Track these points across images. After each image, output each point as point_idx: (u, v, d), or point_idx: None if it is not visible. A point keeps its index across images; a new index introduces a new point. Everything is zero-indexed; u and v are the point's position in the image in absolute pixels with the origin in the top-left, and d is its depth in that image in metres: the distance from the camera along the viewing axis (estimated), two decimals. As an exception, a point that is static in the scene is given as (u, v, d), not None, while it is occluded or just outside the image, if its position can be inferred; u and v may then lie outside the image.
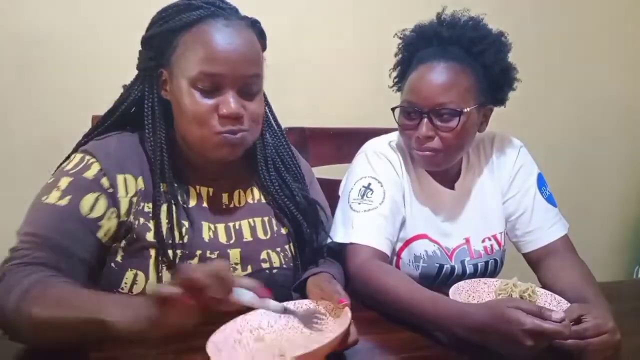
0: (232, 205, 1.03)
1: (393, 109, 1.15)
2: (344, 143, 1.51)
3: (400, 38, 1.21)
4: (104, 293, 0.80)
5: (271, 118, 1.09)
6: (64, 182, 0.89)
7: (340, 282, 0.96)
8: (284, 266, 1.02)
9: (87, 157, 0.92)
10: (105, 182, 0.90)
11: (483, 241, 1.24)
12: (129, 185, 0.93)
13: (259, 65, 0.95)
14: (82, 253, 0.87)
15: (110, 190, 0.91)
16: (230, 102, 0.89)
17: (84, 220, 0.87)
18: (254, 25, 0.97)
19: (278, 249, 1.03)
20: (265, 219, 1.05)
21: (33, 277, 0.77)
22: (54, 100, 1.48)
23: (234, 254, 0.98)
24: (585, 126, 2.06)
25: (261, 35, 0.98)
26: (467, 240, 1.22)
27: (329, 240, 1.13)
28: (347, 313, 0.80)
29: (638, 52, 2.07)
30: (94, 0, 1.47)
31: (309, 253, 1.07)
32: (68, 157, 0.97)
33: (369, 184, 1.17)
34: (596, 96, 2.05)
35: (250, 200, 1.05)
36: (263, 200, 1.07)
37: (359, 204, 1.14)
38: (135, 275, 0.91)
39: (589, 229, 1.95)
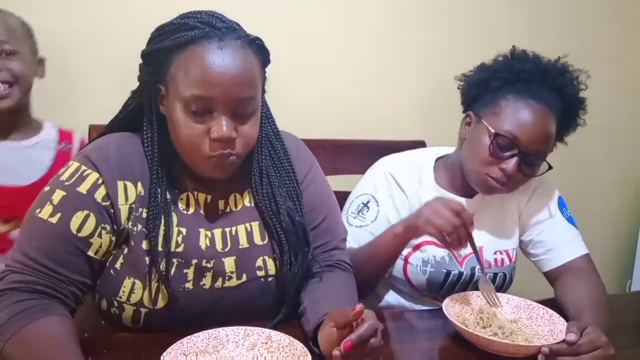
0: (227, 210, 1.01)
1: (492, 136, 1.10)
2: (340, 155, 1.53)
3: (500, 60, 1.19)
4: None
5: (271, 131, 1.04)
6: (58, 195, 0.88)
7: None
8: (280, 274, 1.00)
9: (84, 168, 0.91)
10: (100, 193, 0.90)
11: (495, 253, 1.24)
12: (129, 192, 0.92)
13: (254, 86, 0.91)
14: (71, 274, 0.88)
15: (106, 202, 0.90)
16: (222, 126, 0.87)
17: (74, 239, 0.87)
18: (252, 44, 0.92)
19: (275, 255, 1.01)
20: (263, 223, 1.02)
21: (15, 308, 0.80)
22: (53, 109, 1.48)
23: (229, 262, 0.97)
24: (577, 141, 2.08)
25: (261, 53, 0.94)
26: (480, 249, 1.19)
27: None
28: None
29: (631, 65, 2.09)
30: (95, 8, 1.47)
31: (298, 266, 1.02)
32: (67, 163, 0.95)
33: (367, 202, 1.23)
34: (588, 111, 2.06)
35: (247, 204, 1.03)
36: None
37: (354, 218, 1.23)
38: (133, 283, 0.91)
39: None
